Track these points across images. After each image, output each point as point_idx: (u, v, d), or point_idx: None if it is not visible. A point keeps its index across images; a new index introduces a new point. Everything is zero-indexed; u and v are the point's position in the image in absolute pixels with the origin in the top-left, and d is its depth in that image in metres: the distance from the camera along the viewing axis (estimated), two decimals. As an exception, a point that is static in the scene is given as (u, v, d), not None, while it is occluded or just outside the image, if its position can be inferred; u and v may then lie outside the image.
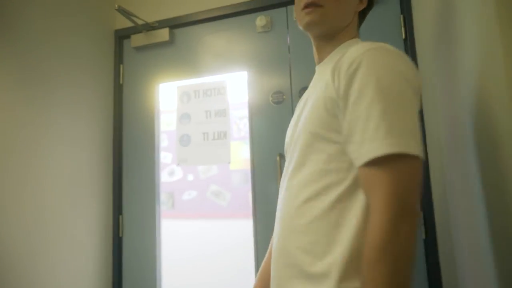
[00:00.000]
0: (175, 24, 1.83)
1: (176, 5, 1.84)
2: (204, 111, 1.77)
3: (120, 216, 1.82)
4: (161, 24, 1.84)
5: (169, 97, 1.88)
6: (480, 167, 0.78)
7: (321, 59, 0.83)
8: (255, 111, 1.67)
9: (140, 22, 1.82)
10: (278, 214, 0.77)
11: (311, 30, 0.79)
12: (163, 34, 1.82)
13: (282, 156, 1.59)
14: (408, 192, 0.54)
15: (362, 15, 0.86)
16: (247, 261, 1.67)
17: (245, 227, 1.76)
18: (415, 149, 0.55)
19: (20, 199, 1.35)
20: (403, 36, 1.50)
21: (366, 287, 0.53)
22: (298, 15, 0.80)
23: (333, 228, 0.63)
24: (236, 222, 2.13)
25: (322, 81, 0.73)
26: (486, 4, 0.69)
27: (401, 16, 1.51)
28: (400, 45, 1.51)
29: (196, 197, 2.22)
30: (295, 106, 1.61)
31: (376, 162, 0.56)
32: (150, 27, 1.84)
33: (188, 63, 1.81)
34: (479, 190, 0.80)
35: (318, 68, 0.83)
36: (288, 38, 1.66)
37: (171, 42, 1.84)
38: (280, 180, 1.56)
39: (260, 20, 1.67)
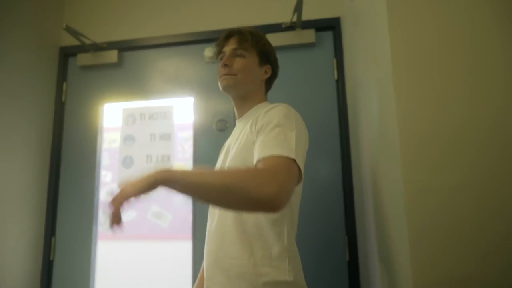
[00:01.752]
0: (124, 47, 1.86)
1: (127, 28, 1.88)
2: (149, 134, 1.80)
3: (53, 238, 1.75)
4: (110, 46, 1.86)
5: (113, 115, 1.88)
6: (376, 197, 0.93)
7: (239, 116, 1.07)
8: (199, 135, 1.74)
9: (88, 41, 1.82)
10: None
11: (228, 91, 1.04)
12: (112, 55, 1.84)
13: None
14: (273, 171, 0.74)
15: (269, 82, 1.12)
16: (186, 284, 1.69)
17: (185, 249, 1.78)
18: (292, 154, 0.77)
19: None
20: (336, 77, 1.68)
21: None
22: (219, 79, 1.03)
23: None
24: (176, 244, 2.15)
25: (242, 134, 0.95)
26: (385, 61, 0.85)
27: (334, 59, 1.70)
28: (333, 85, 1.69)
29: (136, 218, 2.20)
30: (238, 134, 1.72)
31: (265, 157, 0.77)
32: (98, 48, 1.85)
33: (135, 86, 1.84)
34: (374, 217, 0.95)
35: (238, 123, 1.08)
36: (234, 70, 1.77)
37: (119, 64, 1.86)
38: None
39: (208, 51, 1.77)
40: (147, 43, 1.85)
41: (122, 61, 1.88)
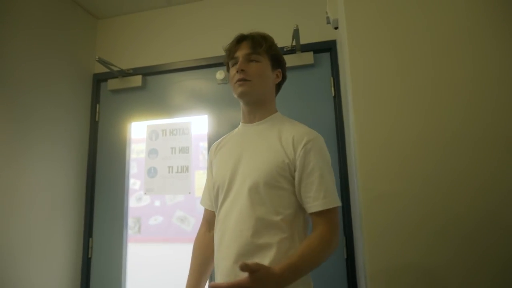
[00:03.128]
0: (147, 72, 2.13)
1: (149, 56, 2.15)
2: (170, 148, 2.06)
3: (90, 238, 2.04)
4: (135, 71, 2.14)
5: (139, 130, 2.15)
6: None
7: (251, 121, 1.09)
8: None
9: (116, 68, 2.11)
10: None
11: (243, 98, 1.05)
12: (137, 80, 2.12)
13: (234, 189, 1.89)
14: (336, 225, 0.94)
15: (279, 85, 1.15)
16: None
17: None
18: (337, 202, 0.95)
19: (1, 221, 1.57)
20: (333, 94, 1.87)
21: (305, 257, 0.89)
22: (233, 86, 1.05)
23: None
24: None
25: (267, 140, 1.02)
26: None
27: (331, 78, 1.89)
28: (330, 101, 1.88)
29: (162, 222, 2.48)
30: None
31: (318, 213, 0.94)
32: (125, 74, 2.14)
33: (157, 106, 2.11)
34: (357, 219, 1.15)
35: (250, 127, 1.09)
36: (243, 90, 2.00)
37: (143, 87, 2.14)
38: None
39: (220, 74, 2.01)
40: (167, 68, 2.11)
41: (146, 85, 2.15)
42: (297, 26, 1.75)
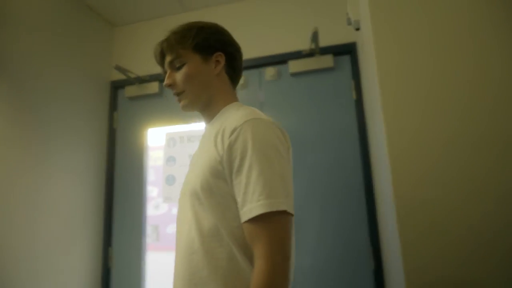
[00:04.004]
0: (163, 78, 2.11)
1: (165, 62, 2.14)
2: (188, 155, 2.03)
3: (110, 248, 2.02)
4: (152, 78, 2.13)
5: (157, 137, 2.14)
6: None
7: (207, 121, 0.93)
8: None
9: (133, 75, 2.10)
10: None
11: (187, 111, 0.91)
12: (153, 86, 2.10)
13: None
14: (282, 241, 0.68)
15: (231, 67, 0.91)
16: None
17: None
18: (283, 205, 0.68)
19: (21, 231, 1.56)
20: (354, 97, 1.82)
21: None
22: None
23: None
24: None
25: (206, 144, 0.83)
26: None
27: (352, 81, 1.84)
28: (352, 104, 1.82)
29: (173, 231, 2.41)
30: (266, 152, 1.89)
31: (253, 220, 0.68)
32: (142, 80, 2.13)
33: (174, 112, 2.09)
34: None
35: (206, 127, 0.93)
36: (261, 95, 1.96)
37: (160, 93, 2.12)
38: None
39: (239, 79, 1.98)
40: (184, 74, 2.09)
41: (163, 91, 2.14)
42: (316, 28, 1.71)
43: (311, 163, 1.81)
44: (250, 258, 0.72)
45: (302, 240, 1.74)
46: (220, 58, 0.89)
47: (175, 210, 2.06)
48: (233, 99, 0.92)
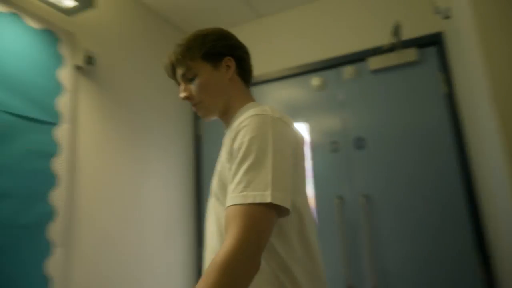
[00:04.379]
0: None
1: (243, 70, 2.22)
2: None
3: (201, 248, 2.15)
4: (231, 86, 2.22)
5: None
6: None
7: (226, 127, 0.93)
8: (316, 157, 1.95)
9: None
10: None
11: (207, 120, 0.94)
12: (234, 94, 2.20)
13: (341, 198, 1.83)
14: (259, 233, 0.64)
15: (241, 69, 0.93)
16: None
17: None
18: (265, 198, 0.65)
19: (125, 234, 1.74)
20: (444, 91, 1.72)
21: None
22: None
23: None
24: None
25: (223, 149, 0.82)
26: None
27: (441, 73, 1.74)
28: (440, 99, 1.72)
29: None
30: (350, 154, 1.87)
31: (234, 208, 0.66)
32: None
33: (254, 117, 2.16)
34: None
35: (225, 133, 0.91)
36: (340, 95, 1.94)
37: (240, 100, 2.21)
38: (338, 221, 1.80)
39: (315, 80, 1.99)
40: (259, 80, 2.15)
41: (242, 98, 2.22)
42: (397, 22, 1.65)
43: (397, 162, 1.75)
44: (267, 258, 0.72)
45: (391, 242, 1.69)
46: (230, 62, 0.91)
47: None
48: (248, 99, 0.93)
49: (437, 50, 1.77)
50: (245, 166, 0.69)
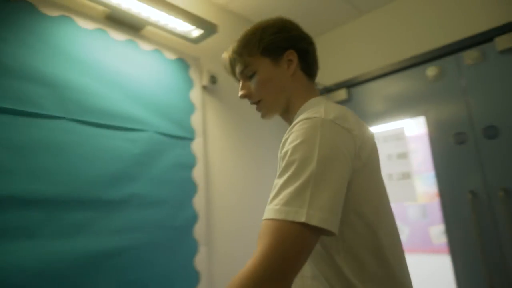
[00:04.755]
0: (350, 84, 2.19)
1: (350, 69, 2.21)
2: (386, 155, 2.03)
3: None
4: (338, 86, 2.23)
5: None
6: None
7: (289, 125, 0.82)
8: (437, 151, 1.84)
9: (320, 86, 2.25)
10: None
11: (268, 119, 0.88)
12: (341, 94, 2.20)
13: (474, 194, 1.69)
14: (284, 253, 0.55)
15: (304, 63, 0.84)
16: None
17: (427, 263, 1.87)
18: (299, 217, 0.56)
19: (255, 229, 1.89)
20: None
21: None
22: None
23: None
24: (416, 257, 2.25)
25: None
26: None
27: None
28: None
29: None
30: (480, 144, 1.70)
31: (266, 223, 0.59)
32: (329, 89, 2.26)
33: (365, 115, 2.12)
34: None
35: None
36: (462, 82, 1.79)
37: (348, 99, 2.20)
38: (475, 220, 1.66)
39: (431, 71, 1.87)
40: (369, 76, 2.11)
41: (351, 97, 2.21)
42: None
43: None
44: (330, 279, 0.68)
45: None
46: (292, 56, 0.83)
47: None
48: (312, 95, 0.83)
49: None
50: (285, 177, 0.61)
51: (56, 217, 1.17)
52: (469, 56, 1.77)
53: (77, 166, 1.25)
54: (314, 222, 0.56)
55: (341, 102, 2.23)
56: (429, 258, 2.28)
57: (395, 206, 2.20)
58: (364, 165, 0.68)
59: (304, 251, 0.57)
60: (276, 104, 0.84)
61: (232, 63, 0.88)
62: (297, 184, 0.59)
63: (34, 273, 1.09)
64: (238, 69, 0.87)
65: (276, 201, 0.60)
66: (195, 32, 1.57)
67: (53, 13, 1.28)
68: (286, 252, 0.55)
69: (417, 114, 1.93)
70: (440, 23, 1.88)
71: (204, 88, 1.78)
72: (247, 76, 0.85)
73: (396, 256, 0.70)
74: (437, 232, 2.27)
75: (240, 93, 0.86)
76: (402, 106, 1.99)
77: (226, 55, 0.90)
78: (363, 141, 0.69)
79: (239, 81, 0.89)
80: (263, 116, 0.87)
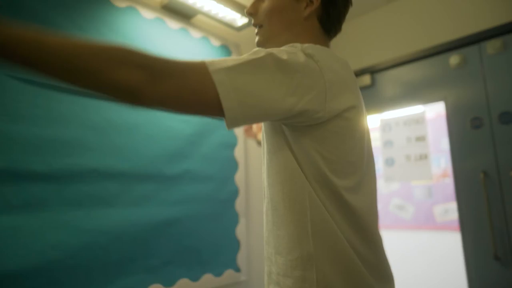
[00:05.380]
0: (375, 70, 2.32)
1: (375, 55, 2.33)
2: (405, 138, 2.19)
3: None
4: (362, 72, 2.35)
5: (373, 121, 2.37)
6: None
7: None
8: (455, 135, 1.99)
9: (344, 71, 2.38)
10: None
11: (264, 48, 0.74)
12: (365, 79, 2.33)
13: (486, 174, 1.86)
14: (178, 74, 0.54)
15: (327, 16, 0.78)
16: (456, 274, 1.99)
17: (430, 239, 2.08)
18: (213, 66, 0.56)
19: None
20: None
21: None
22: None
23: None
24: (421, 234, 2.48)
25: None
26: None
27: None
28: None
29: (379, 210, 2.63)
30: (496, 129, 1.86)
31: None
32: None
33: (388, 100, 2.27)
34: None
35: None
36: (483, 71, 1.92)
37: (372, 85, 2.34)
38: (486, 198, 1.83)
39: (454, 59, 2.00)
40: (394, 63, 2.24)
41: (375, 82, 2.34)
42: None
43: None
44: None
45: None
46: (315, 0, 0.75)
47: (388, 190, 2.28)
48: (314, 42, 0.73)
49: None
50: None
51: (128, 189, 1.34)
52: (492, 46, 1.90)
53: (143, 144, 1.40)
54: (215, 75, 0.55)
55: (365, 87, 2.37)
56: (433, 234, 2.52)
57: (403, 188, 2.42)
58: (330, 118, 0.65)
59: (193, 92, 0.55)
60: (275, 37, 0.77)
61: None
62: (244, 58, 0.58)
63: (114, 236, 1.27)
64: None
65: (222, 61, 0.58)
66: (240, 20, 1.69)
67: (122, 4, 1.40)
68: (183, 78, 0.54)
69: (437, 99, 2.07)
70: (464, 13, 1.99)
71: (243, 72, 1.91)
72: None
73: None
74: (441, 210, 2.47)
75: (247, 9, 0.80)
76: (423, 91, 2.13)
77: None
78: (339, 91, 0.66)
79: None
80: (257, 43, 0.81)
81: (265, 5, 0.77)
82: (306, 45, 0.67)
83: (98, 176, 1.25)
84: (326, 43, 0.80)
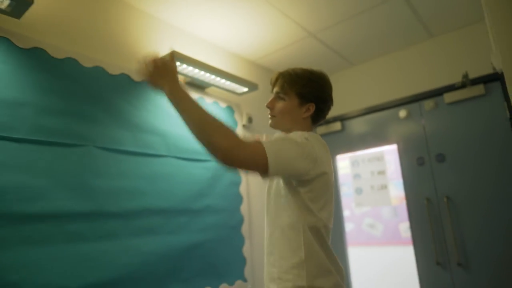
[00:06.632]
0: (344, 118, 2.93)
1: (345, 106, 2.95)
2: (370, 172, 2.78)
3: (321, 240, 2.93)
4: (335, 119, 2.96)
5: (343, 158, 2.95)
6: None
7: None
8: (406, 170, 2.60)
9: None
10: None
11: (273, 129, 1.25)
12: (337, 125, 2.94)
13: (429, 200, 2.46)
14: (245, 147, 0.96)
15: (316, 116, 1.21)
16: (412, 279, 2.55)
17: (397, 253, 2.66)
18: (269, 155, 0.96)
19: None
20: (508, 116, 2.25)
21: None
22: None
23: None
24: (389, 249, 3.06)
25: None
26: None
27: (505, 103, 2.27)
28: (507, 122, 2.26)
29: (353, 229, 3.23)
30: (433, 166, 2.48)
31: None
32: (328, 121, 2.99)
33: (354, 143, 2.87)
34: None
35: None
36: (423, 121, 2.56)
37: (342, 130, 2.95)
38: (429, 217, 2.42)
39: (402, 112, 2.64)
40: (359, 113, 2.86)
41: (344, 128, 2.95)
42: (465, 72, 2.24)
43: (471, 172, 2.32)
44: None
45: (470, 230, 2.26)
46: (312, 108, 1.18)
47: (347, 213, 2.84)
48: (307, 130, 1.19)
49: (501, 85, 2.30)
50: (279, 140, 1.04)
51: (169, 221, 1.83)
52: (428, 104, 2.55)
53: (177, 188, 1.91)
54: (269, 156, 0.95)
55: (336, 132, 2.98)
56: (399, 248, 3.11)
57: (373, 209, 3.03)
58: (315, 176, 1.06)
59: (251, 156, 0.96)
60: (284, 125, 1.20)
61: (277, 79, 1.22)
62: (277, 143, 1.02)
63: (160, 256, 1.75)
64: (276, 87, 1.21)
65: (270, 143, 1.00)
66: (240, 89, 2.26)
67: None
68: (250, 154, 0.95)
69: (391, 142, 2.70)
70: (410, 79, 2.65)
71: (244, 126, 2.46)
72: (278, 96, 1.20)
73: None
74: (405, 227, 3.04)
75: (267, 104, 1.22)
76: (381, 136, 2.75)
77: (278, 72, 1.23)
78: (321, 162, 1.07)
79: (271, 92, 1.25)
80: (270, 125, 1.24)
81: (279, 105, 1.20)
82: (306, 134, 1.12)
83: (149, 213, 1.75)
84: (313, 129, 1.26)
